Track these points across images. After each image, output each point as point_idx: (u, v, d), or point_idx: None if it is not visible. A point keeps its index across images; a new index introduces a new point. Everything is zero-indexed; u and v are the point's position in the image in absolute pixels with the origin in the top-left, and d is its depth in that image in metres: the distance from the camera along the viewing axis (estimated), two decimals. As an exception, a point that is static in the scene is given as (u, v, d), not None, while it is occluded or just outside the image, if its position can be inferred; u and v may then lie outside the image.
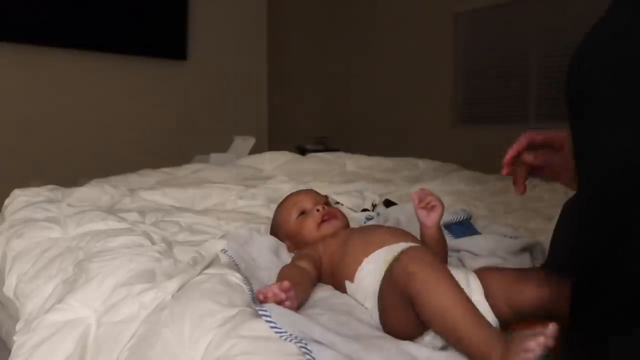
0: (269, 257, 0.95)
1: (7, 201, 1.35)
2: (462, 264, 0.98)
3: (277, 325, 0.63)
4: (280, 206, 1.10)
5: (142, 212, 1.28)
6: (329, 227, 0.98)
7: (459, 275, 0.71)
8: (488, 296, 0.69)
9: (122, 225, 1.10)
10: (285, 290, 0.70)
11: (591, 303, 0.54)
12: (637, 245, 0.47)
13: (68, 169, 3.38)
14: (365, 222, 1.28)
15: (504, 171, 0.80)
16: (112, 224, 1.10)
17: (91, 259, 0.88)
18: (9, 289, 0.98)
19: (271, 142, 4.48)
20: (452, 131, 3.46)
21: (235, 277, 0.81)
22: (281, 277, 0.80)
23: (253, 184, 1.67)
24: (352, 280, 0.81)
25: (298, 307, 0.73)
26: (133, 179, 1.72)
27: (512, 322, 0.68)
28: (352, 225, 1.08)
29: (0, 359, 1.05)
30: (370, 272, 0.78)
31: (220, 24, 4.32)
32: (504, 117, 3.29)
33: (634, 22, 0.51)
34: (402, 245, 0.82)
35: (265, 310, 0.65)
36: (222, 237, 1.07)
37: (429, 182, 1.84)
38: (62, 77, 3.60)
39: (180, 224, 1.21)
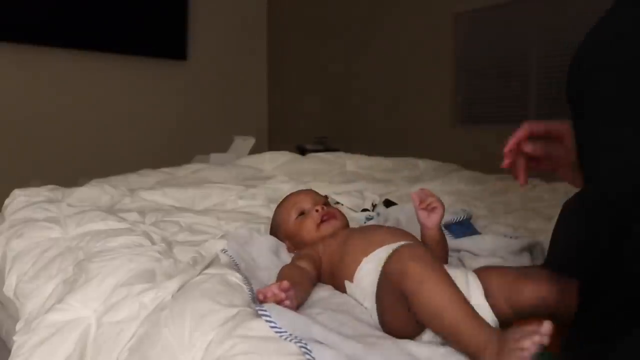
0: (269, 257, 0.95)
1: (7, 201, 1.35)
2: (462, 264, 0.98)
3: (277, 325, 0.63)
4: (279, 207, 1.10)
5: (142, 212, 1.28)
6: (328, 228, 0.98)
7: (458, 275, 0.71)
8: (488, 296, 0.69)
9: (122, 225, 1.10)
10: (285, 290, 0.70)
11: (591, 303, 0.54)
12: (637, 245, 0.47)
13: (68, 169, 3.39)
14: (365, 222, 1.28)
15: (505, 162, 0.78)
16: (112, 224, 1.10)
17: (91, 259, 0.88)
18: (9, 289, 0.98)
19: (271, 142, 4.49)
20: (452, 131, 3.45)
21: (235, 277, 0.81)
22: (281, 277, 0.80)
23: (253, 184, 1.67)
24: (351, 280, 0.81)
25: (297, 306, 0.73)
26: (133, 179, 1.72)
27: (513, 321, 0.68)
28: (352, 225, 1.08)
29: (0, 359, 1.05)
30: (369, 271, 0.78)
31: (220, 24, 4.32)
32: (504, 117, 3.29)
33: (635, 22, 0.51)
34: (401, 245, 0.82)
35: (265, 310, 0.65)
36: (222, 237, 1.07)
37: (429, 182, 1.84)
38: (62, 77, 3.60)
39: (180, 224, 1.21)
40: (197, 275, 0.82)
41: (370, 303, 0.75)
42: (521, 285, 0.69)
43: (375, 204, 1.46)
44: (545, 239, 0.99)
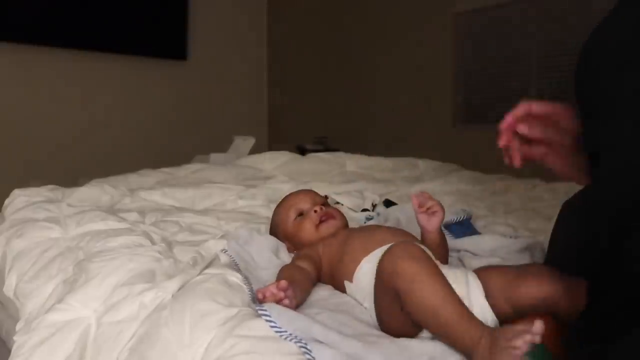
0: (269, 257, 0.95)
1: (7, 201, 1.35)
2: (462, 264, 0.98)
3: (277, 325, 0.63)
4: (278, 207, 1.10)
5: (142, 212, 1.28)
6: (327, 228, 0.98)
7: (458, 275, 0.71)
8: (488, 296, 0.69)
9: (122, 225, 1.10)
10: (283, 289, 0.70)
11: (591, 303, 0.54)
12: (637, 245, 0.47)
13: (68, 169, 3.39)
14: (365, 222, 1.28)
15: (501, 141, 0.74)
16: (112, 224, 1.10)
17: (91, 259, 0.88)
18: (9, 289, 0.98)
19: (271, 142, 4.48)
20: (452, 131, 3.45)
21: (235, 277, 0.81)
22: (280, 277, 0.80)
23: (253, 184, 1.67)
24: (351, 280, 0.81)
25: (297, 306, 0.73)
26: (133, 179, 1.72)
27: (513, 320, 0.68)
28: (352, 225, 1.08)
29: (0, 359, 1.05)
30: (368, 271, 0.78)
31: (220, 24, 4.32)
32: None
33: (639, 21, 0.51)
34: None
35: (265, 310, 0.65)
36: (222, 237, 1.07)
37: (429, 182, 1.84)
38: (62, 77, 3.60)
39: (180, 224, 1.21)
40: (197, 275, 0.82)
41: (369, 303, 0.75)
42: (522, 284, 0.69)
43: (375, 204, 1.46)
44: (545, 239, 0.99)
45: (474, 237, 1.05)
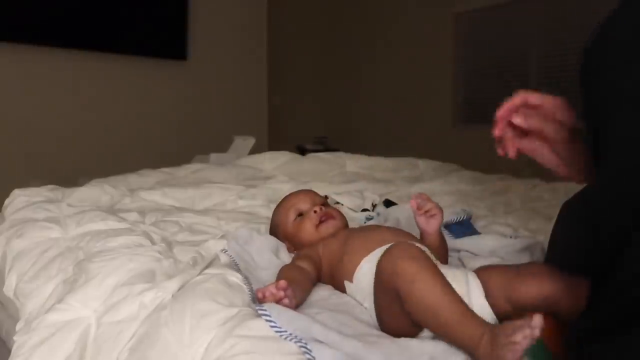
0: (269, 257, 0.95)
1: (7, 201, 1.35)
2: (462, 264, 0.98)
3: (277, 325, 0.63)
4: (278, 207, 1.10)
5: (142, 212, 1.28)
6: (326, 228, 0.97)
7: (458, 275, 0.71)
8: (488, 295, 0.69)
9: (122, 225, 1.10)
10: (283, 289, 0.70)
11: (592, 302, 0.54)
12: (638, 245, 0.46)
13: (68, 169, 3.39)
14: (365, 222, 1.28)
15: (496, 130, 0.72)
16: (112, 224, 1.10)
17: (91, 259, 0.88)
18: (9, 289, 0.98)
19: (271, 142, 4.49)
20: (452, 131, 3.46)
21: (235, 277, 0.81)
22: (280, 277, 0.80)
23: (253, 184, 1.67)
24: (351, 280, 0.81)
25: (297, 306, 0.73)
26: (133, 179, 1.72)
27: (513, 319, 0.68)
28: (352, 225, 1.08)
29: (0, 359, 1.05)
30: (368, 271, 0.78)
31: (220, 24, 4.32)
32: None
33: None
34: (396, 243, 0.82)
35: (265, 310, 0.65)
36: (222, 237, 1.07)
37: (429, 182, 1.84)
38: (62, 77, 3.60)
39: (180, 224, 1.21)
40: (197, 275, 0.82)
41: (369, 303, 0.75)
42: (522, 283, 0.69)
43: (375, 204, 1.45)
44: (545, 239, 0.99)
45: (474, 237, 1.05)
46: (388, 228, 0.97)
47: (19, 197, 1.34)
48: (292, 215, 1.03)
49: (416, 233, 0.92)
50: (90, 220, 1.12)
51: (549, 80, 3.13)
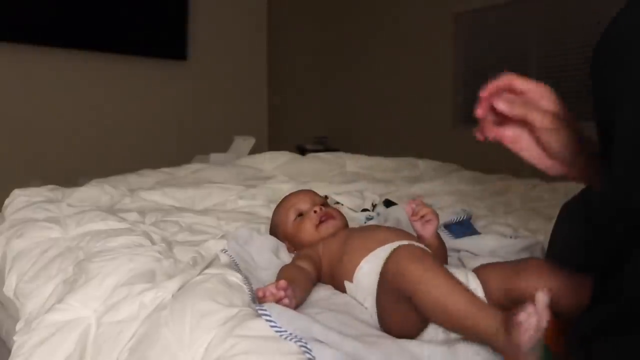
0: (269, 257, 0.95)
1: (7, 201, 1.35)
2: (462, 264, 0.98)
3: (277, 325, 0.63)
4: (278, 207, 1.10)
5: (142, 212, 1.28)
6: (326, 229, 0.97)
7: (458, 275, 0.71)
8: (488, 294, 0.69)
9: (122, 225, 1.10)
10: (283, 289, 0.70)
11: (593, 302, 0.54)
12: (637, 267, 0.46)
13: (68, 169, 3.39)
14: (365, 222, 1.28)
15: (479, 110, 0.68)
16: (112, 224, 1.10)
17: (91, 259, 0.88)
18: (9, 289, 0.98)
19: (271, 142, 4.49)
20: (452, 131, 3.46)
21: (235, 277, 0.81)
22: (280, 276, 0.80)
23: (253, 184, 1.67)
24: (351, 280, 0.81)
25: (297, 306, 0.73)
26: (133, 179, 1.72)
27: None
28: (352, 225, 1.08)
29: (0, 359, 1.05)
30: (369, 271, 0.78)
31: (220, 24, 4.32)
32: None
33: None
34: (401, 244, 0.82)
35: (265, 310, 0.65)
36: (222, 237, 1.07)
37: (429, 182, 1.84)
38: (62, 77, 3.61)
39: (180, 224, 1.21)
40: (197, 275, 0.82)
41: (370, 303, 0.75)
42: (521, 278, 0.69)
43: (375, 204, 1.45)
44: (545, 239, 0.99)
45: (474, 237, 1.05)
46: (388, 228, 0.97)
47: (19, 197, 1.34)
48: (292, 215, 1.03)
49: (416, 233, 0.92)
50: (90, 220, 1.12)
51: (549, 80, 3.14)
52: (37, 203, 1.28)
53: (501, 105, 0.64)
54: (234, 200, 1.48)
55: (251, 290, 0.78)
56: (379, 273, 0.74)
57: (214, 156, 2.93)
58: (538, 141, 0.66)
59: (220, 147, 3.33)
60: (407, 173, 2.11)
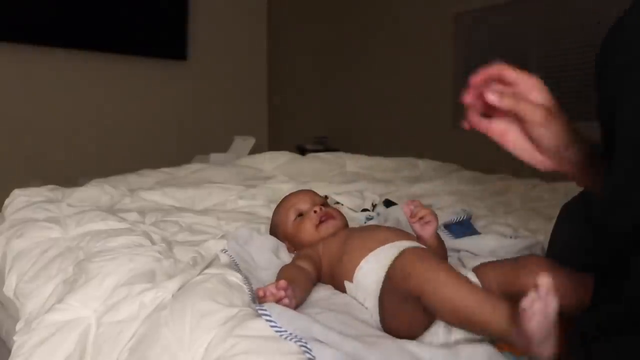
0: (269, 257, 0.95)
1: (7, 201, 1.35)
2: (462, 264, 0.98)
3: (277, 325, 0.63)
4: (278, 207, 1.10)
5: (142, 212, 1.28)
6: (326, 229, 0.97)
7: (458, 275, 0.71)
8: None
9: (122, 225, 1.10)
10: (283, 289, 0.70)
11: (594, 302, 0.54)
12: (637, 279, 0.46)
13: (68, 169, 3.39)
14: (365, 222, 1.28)
15: (466, 96, 0.65)
16: (112, 224, 1.10)
17: (91, 259, 0.88)
18: (9, 289, 0.98)
19: (271, 142, 4.49)
20: (452, 131, 3.45)
21: (235, 277, 0.81)
22: (280, 276, 0.80)
23: (253, 184, 1.67)
24: (351, 280, 0.81)
25: (297, 306, 0.74)
26: (133, 179, 1.72)
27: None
28: (352, 225, 1.08)
29: (0, 359, 1.05)
30: (369, 271, 0.78)
31: (220, 24, 4.32)
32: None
33: None
34: (402, 244, 0.82)
35: (265, 310, 0.65)
36: (222, 237, 1.07)
37: (429, 182, 1.84)
38: (62, 77, 3.60)
39: (180, 224, 1.21)
40: (197, 275, 0.82)
41: (371, 303, 0.75)
42: (519, 276, 0.68)
43: (375, 204, 1.45)
44: (545, 239, 0.99)
45: (474, 237, 1.06)
46: (388, 228, 0.97)
47: (19, 197, 1.34)
48: (292, 215, 1.03)
49: (416, 233, 0.92)
50: (90, 220, 1.12)
51: (549, 80, 3.13)
52: (37, 203, 1.28)
53: (491, 97, 0.61)
54: (234, 200, 1.48)
55: (251, 290, 0.78)
56: (379, 273, 0.74)
57: (214, 156, 2.93)
58: (528, 135, 0.64)
59: (220, 147, 3.33)
60: (407, 173, 2.11)
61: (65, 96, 3.62)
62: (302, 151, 3.40)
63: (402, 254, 0.69)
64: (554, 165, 0.65)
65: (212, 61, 4.28)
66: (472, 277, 0.71)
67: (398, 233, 0.88)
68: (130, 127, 3.89)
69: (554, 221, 0.82)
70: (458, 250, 1.03)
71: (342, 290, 0.83)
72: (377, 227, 0.99)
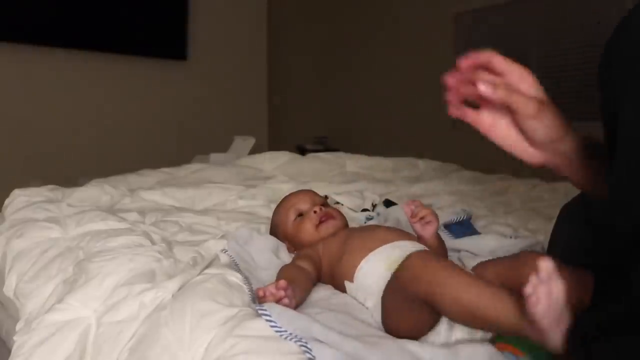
0: (269, 257, 0.95)
1: (7, 201, 1.35)
2: (462, 264, 0.98)
3: (277, 325, 0.63)
4: (278, 207, 1.10)
5: (142, 212, 1.28)
6: (326, 229, 0.97)
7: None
8: None
9: (122, 225, 1.10)
10: (283, 289, 0.70)
11: (595, 302, 0.54)
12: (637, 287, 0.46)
13: (68, 169, 3.38)
14: (365, 222, 1.28)
15: (450, 78, 0.63)
16: (112, 224, 1.10)
17: (91, 259, 0.88)
18: (9, 289, 0.98)
19: (271, 142, 4.49)
20: (452, 131, 3.45)
21: (235, 277, 0.81)
22: (280, 276, 0.80)
23: (253, 184, 1.67)
24: (351, 280, 0.81)
25: (297, 306, 0.74)
26: (133, 179, 1.72)
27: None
28: (352, 225, 1.08)
29: (0, 359, 1.05)
30: (370, 271, 0.78)
31: (220, 24, 4.32)
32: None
33: None
34: (402, 244, 0.82)
35: (265, 310, 0.65)
36: (222, 237, 1.07)
37: (429, 182, 1.84)
38: (62, 77, 3.60)
39: (180, 224, 1.21)
40: (197, 275, 0.82)
41: (372, 303, 0.75)
42: (517, 271, 0.68)
43: (375, 204, 1.45)
44: (545, 239, 0.99)
45: (474, 237, 1.05)
46: (388, 228, 0.97)
47: (19, 197, 1.34)
48: (292, 215, 1.03)
49: (416, 233, 0.92)
50: (90, 220, 1.12)
51: (549, 80, 3.13)
52: (37, 203, 1.28)
53: (483, 88, 0.58)
54: (234, 200, 1.48)
55: (251, 290, 0.78)
56: (380, 273, 0.74)
57: (214, 156, 2.93)
58: (518, 127, 0.61)
59: (220, 147, 3.32)
60: (407, 173, 2.11)
61: (65, 96, 3.62)
62: (302, 151, 3.40)
63: (407, 260, 0.69)
64: (545, 159, 0.63)
65: (212, 61, 4.28)
66: (472, 277, 0.71)
67: (398, 233, 0.88)
68: (130, 127, 3.89)
69: (553, 221, 0.82)
70: (458, 250, 1.03)
71: (342, 290, 0.83)
72: (377, 227, 0.99)
